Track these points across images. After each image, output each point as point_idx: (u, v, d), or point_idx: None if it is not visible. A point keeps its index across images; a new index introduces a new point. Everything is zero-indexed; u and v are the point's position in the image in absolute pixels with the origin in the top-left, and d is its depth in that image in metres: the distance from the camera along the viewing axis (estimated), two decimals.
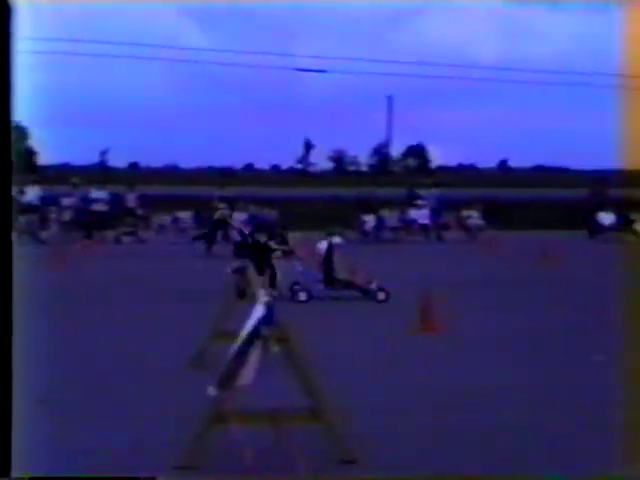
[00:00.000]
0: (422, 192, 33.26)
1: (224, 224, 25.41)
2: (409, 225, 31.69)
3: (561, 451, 6.65)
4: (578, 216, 33.68)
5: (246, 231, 23.84)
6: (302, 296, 15.10)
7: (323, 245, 16.04)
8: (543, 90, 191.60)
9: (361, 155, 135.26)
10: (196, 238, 26.16)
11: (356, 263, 16.12)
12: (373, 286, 15.23)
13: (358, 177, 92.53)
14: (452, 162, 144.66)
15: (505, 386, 8.81)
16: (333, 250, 15.91)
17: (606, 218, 31.98)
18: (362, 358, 10.34)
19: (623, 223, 31.43)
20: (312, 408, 6.15)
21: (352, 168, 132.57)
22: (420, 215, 32.10)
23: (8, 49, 2.13)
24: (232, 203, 27.52)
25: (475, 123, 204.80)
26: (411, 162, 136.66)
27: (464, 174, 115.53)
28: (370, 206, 31.39)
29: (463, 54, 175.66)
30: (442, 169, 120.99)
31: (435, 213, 32.13)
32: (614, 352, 10.53)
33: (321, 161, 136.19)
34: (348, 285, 15.55)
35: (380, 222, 30.80)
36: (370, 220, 30.51)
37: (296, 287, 15.40)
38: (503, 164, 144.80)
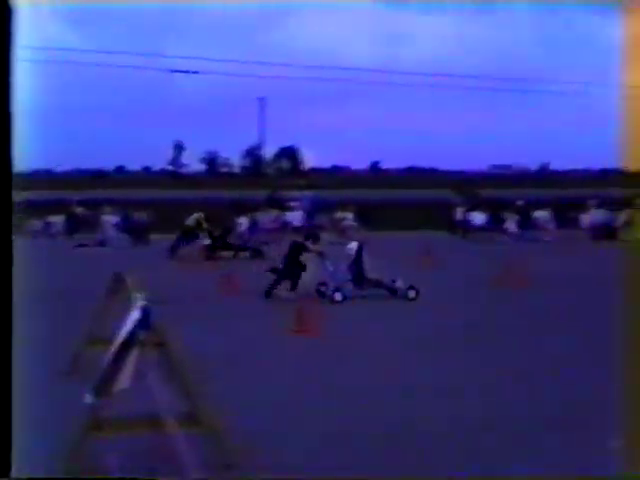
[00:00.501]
0: (296, 194, 33.56)
1: (194, 230, 25.51)
2: (283, 227, 31.84)
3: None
4: (448, 217, 34.65)
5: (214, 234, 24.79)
6: (338, 297, 15.43)
7: (353, 246, 16.44)
8: (414, 92, 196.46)
9: (234, 157, 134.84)
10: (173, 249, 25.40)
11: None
12: (400, 284, 15.73)
13: (231, 179, 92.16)
14: (325, 164, 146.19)
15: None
16: (363, 251, 16.26)
17: (477, 218, 33.11)
18: None
19: (494, 223, 32.63)
20: (190, 412, 6.14)
21: (225, 170, 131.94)
22: (294, 217, 32.33)
23: (8, 49, 2.13)
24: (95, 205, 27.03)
25: (348, 125, 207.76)
26: (284, 164, 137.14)
27: (337, 176, 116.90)
28: (244, 208, 31.38)
29: (335, 56, 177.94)
30: (315, 171, 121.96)
31: (309, 215, 32.41)
32: (485, 353, 10.97)
33: (193, 163, 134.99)
34: (377, 284, 15.99)
35: (254, 224, 30.84)
36: (244, 222, 30.50)
37: (322, 288, 15.89)
38: (375, 165, 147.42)
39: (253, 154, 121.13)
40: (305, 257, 16.47)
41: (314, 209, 32.82)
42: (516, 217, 32.99)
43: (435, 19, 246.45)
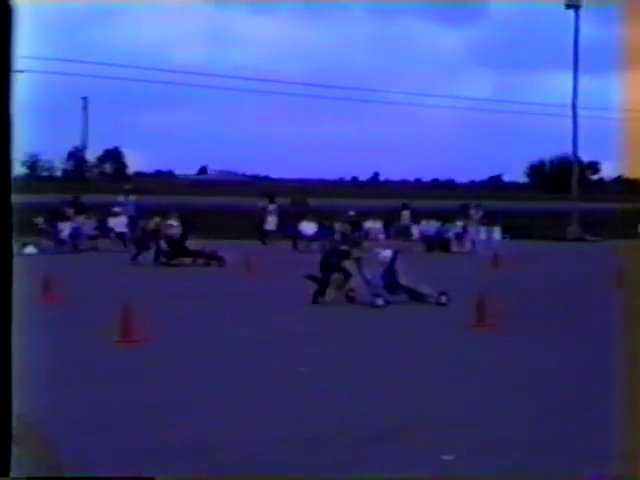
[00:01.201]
0: (120, 199, 32.66)
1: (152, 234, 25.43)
2: (106, 233, 30.86)
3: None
4: (281, 225, 34.59)
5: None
6: (379, 302, 15.90)
7: (388, 253, 17.00)
8: (242, 96, 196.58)
9: (55, 160, 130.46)
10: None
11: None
12: (428, 290, 16.30)
13: (52, 183, 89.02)
14: (149, 168, 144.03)
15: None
16: (397, 258, 16.79)
17: (307, 227, 33.10)
18: None
19: (324, 233, 32.78)
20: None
21: (46, 174, 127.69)
22: (117, 223, 31.40)
23: (8, 49, 2.04)
24: None
25: (172, 128, 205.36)
26: (108, 167, 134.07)
27: (162, 180, 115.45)
28: (65, 214, 30.19)
29: (162, 57, 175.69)
30: (139, 175, 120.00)
31: (133, 221, 31.54)
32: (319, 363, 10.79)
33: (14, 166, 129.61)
34: (410, 291, 16.49)
35: (77, 230, 29.71)
36: (66, 228, 29.33)
37: (351, 293, 16.50)
38: (201, 171, 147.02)
39: (75, 157, 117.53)
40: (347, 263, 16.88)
41: (138, 214, 31.91)
42: (347, 227, 33.17)
43: (266, 21, 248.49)
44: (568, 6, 44.45)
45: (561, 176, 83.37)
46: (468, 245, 32.31)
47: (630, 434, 7.25)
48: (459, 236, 32.68)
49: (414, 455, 6.88)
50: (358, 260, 16.94)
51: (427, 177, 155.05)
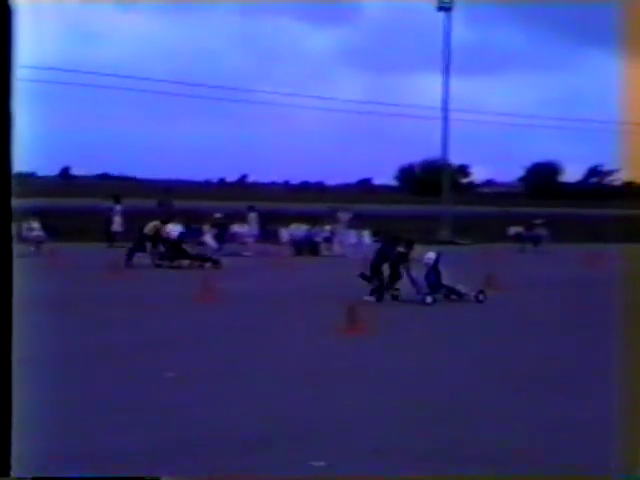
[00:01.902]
0: None
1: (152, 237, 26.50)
2: None
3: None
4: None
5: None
6: (429, 299, 17.69)
7: (432, 255, 18.54)
8: (106, 94, 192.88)
9: None
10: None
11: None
12: (466, 290, 18.13)
13: None
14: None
15: None
16: (439, 260, 18.44)
17: (173, 229, 32.65)
18: None
19: (191, 235, 32.39)
20: None
21: None
22: None
23: (8, 49, 2.27)
24: None
25: (36, 127, 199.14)
26: None
27: (26, 182, 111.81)
28: None
29: (24, 53, 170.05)
30: None
31: None
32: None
33: None
34: (451, 290, 18.24)
35: None
36: None
37: (395, 292, 18.36)
38: (65, 172, 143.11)
39: None
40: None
41: None
42: (214, 230, 32.97)
43: (130, 18, 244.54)
44: (440, 8, 45.50)
45: (431, 179, 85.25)
46: (337, 249, 32.55)
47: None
48: (328, 240, 32.89)
49: (284, 463, 6.78)
50: (407, 262, 18.53)
51: (296, 180, 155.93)
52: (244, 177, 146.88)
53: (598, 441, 7.45)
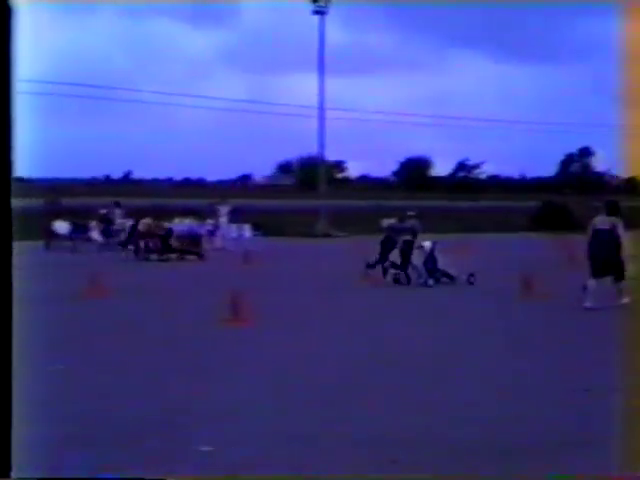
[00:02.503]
0: None
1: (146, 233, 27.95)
2: None
3: None
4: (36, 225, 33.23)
5: None
6: (430, 282, 19.63)
7: (428, 244, 20.24)
8: None
9: None
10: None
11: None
12: (457, 273, 19.92)
13: None
14: None
15: None
16: (435, 248, 20.15)
17: (62, 227, 32.29)
18: None
19: (78, 231, 32.05)
20: None
21: None
22: None
23: (8, 50, 2.25)
24: None
25: None
26: None
27: None
28: None
29: None
30: None
31: None
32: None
33: None
34: (445, 274, 19.99)
35: None
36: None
37: (398, 276, 20.28)
38: None
39: None
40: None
41: None
42: (101, 225, 32.68)
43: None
44: (315, 12, 46.05)
45: (309, 175, 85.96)
46: (219, 242, 32.71)
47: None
48: (210, 233, 32.98)
49: (174, 448, 6.93)
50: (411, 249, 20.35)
51: (179, 176, 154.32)
52: (128, 174, 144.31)
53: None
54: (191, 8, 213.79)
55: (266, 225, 41.38)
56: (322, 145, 47.85)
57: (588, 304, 15.07)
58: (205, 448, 6.85)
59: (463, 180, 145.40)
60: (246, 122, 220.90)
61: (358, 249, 28.70)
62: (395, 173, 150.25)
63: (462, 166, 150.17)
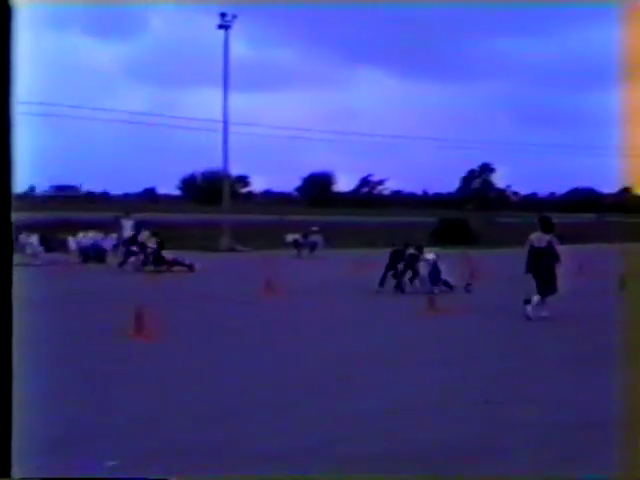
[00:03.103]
0: None
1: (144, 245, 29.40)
2: None
3: None
4: None
5: None
6: (436, 290, 20.51)
7: (432, 256, 21.85)
8: None
9: None
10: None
11: None
12: (456, 283, 21.61)
13: None
14: None
15: None
16: (438, 260, 21.87)
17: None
18: None
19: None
20: None
21: None
22: None
23: (8, 50, 2.22)
24: None
25: None
26: None
27: None
28: None
29: None
30: None
31: None
32: None
33: None
34: (446, 284, 21.44)
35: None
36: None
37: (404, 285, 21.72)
38: None
39: None
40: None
41: None
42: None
43: None
44: (219, 26, 46.08)
45: (213, 189, 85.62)
46: (122, 255, 32.38)
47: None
48: (115, 247, 32.64)
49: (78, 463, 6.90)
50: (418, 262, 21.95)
51: (82, 189, 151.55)
52: (33, 188, 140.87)
53: None
54: (96, 22, 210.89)
55: (170, 239, 41.10)
56: (226, 159, 47.79)
57: (531, 314, 15.83)
58: (110, 463, 6.84)
59: (366, 196, 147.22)
60: (151, 136, 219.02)
61: (261, 263, 28.81)
62: (298, 188, 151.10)
63: (365, 182, 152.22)
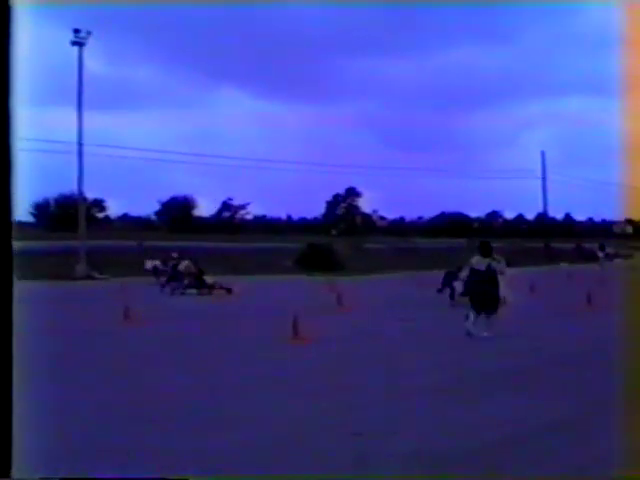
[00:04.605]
0: None
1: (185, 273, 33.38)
2: None
3: None
4: None
5: None
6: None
7: (466, 272, 21.39)
8: None
9: None
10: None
11: None
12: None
13: None
14: None
15: None
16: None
17: None
18: None
19: None
20: None
21: None
22: None
23: (8, 49, 2.30)
24: None
25: None
26: None
27: None
28: None
29: None
30: None
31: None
32: None
33: None
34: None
35: None
36: None
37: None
38: None
39: None
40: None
41: None
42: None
43: None
44: (73, 43, 44.99)
45: (67, 214, 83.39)
46: None
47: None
48: None
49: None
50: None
51: None
52: None
53: None
54: None
55: (21, 267, 39.68)
56: (81, 183, 46.64)
57: (471, 330, 16.98)
58: None
59: (228, 221, 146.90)
60: None
61: (118, 292, 28.08)
62: (158, 213, 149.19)
63: (227, 206, 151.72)
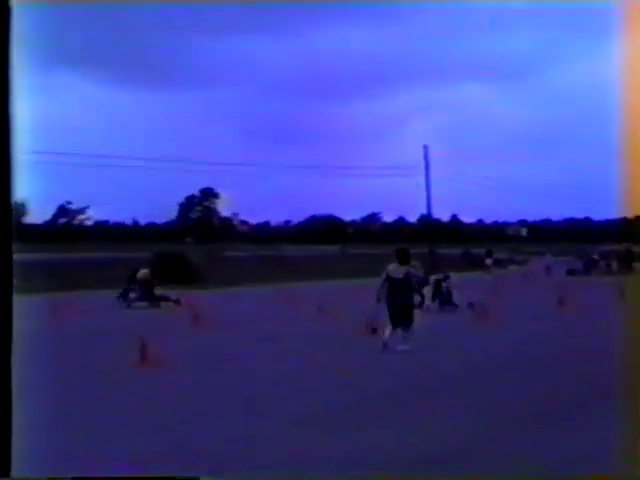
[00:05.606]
0: None
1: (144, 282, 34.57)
2: None
3: None
4: None
5: None
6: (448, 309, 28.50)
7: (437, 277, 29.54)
8: None
9: None
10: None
11: None
12: (459, 302, 28.84)
13: None
14: None
15: None
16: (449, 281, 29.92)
17: None
18: None
19: None
20: None
21: None
22: None
23: (8, 49, 2.71)
24: None
25: None
26: None
27: None
28: None
29: None
30: None
31: None
32: None
33: None
34: (452, 303, 29.32)
35: None
36: None
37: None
38: None
39: None
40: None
41: None
42: None
43: None
44: None
45: None
46: None
47: None
48: None
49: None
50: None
51: None
52: None
53: None
54: None
55: None
56: None
57: (387, 342, 17.65)
58: None
59: (65, 227, 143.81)
60: None
61: None
62: None
63: (63, 211, 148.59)
